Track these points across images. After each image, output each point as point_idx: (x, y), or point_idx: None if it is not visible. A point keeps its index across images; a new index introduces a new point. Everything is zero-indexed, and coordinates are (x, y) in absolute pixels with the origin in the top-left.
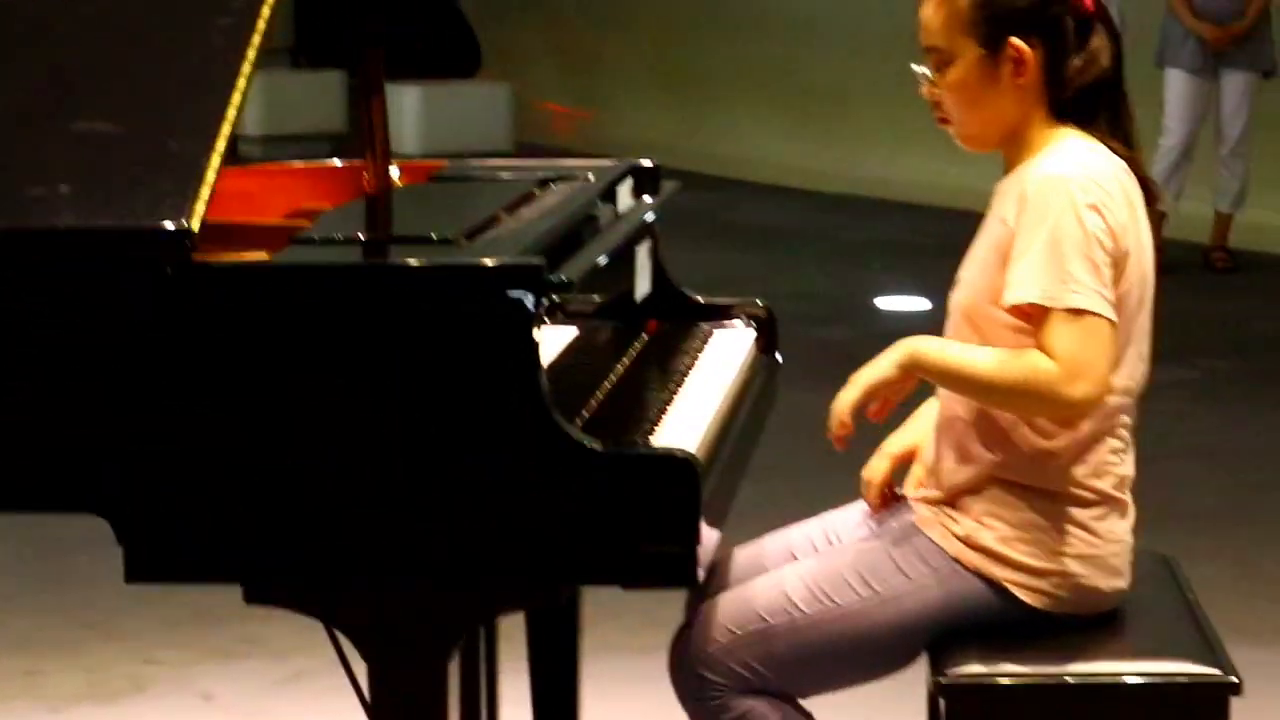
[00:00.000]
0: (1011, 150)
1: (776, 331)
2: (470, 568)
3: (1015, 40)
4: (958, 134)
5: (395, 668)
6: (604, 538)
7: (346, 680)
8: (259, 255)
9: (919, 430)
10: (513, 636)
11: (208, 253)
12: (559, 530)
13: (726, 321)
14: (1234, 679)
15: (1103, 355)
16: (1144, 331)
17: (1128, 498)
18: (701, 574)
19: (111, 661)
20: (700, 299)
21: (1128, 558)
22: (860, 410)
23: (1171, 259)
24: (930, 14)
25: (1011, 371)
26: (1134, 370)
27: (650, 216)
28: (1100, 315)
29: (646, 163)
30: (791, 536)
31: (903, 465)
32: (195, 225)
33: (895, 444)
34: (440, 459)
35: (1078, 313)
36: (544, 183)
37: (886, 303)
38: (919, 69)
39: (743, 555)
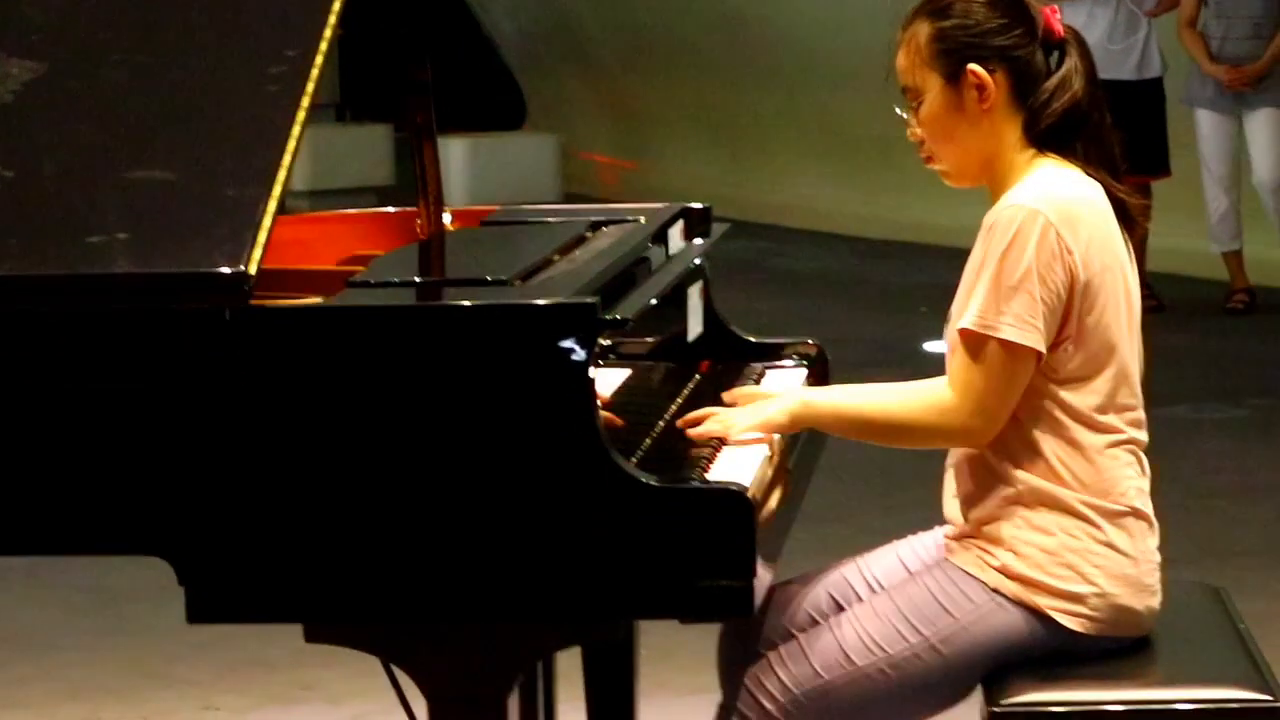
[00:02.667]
0: (993, 183)
1: (828, 370)
2: (529, 603)
3: (973, 67)
4: (940, 170)
5: (456, 704)
6: (661, 572)
7: None
8: (315, 300)
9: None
10: (569, 677)
11: (264, 298)
12: (617, 565)
13: (778, 361)
14: None
15: (1014, 390)
16: (1135, 350)
17: (1150, 514)
18: (756, 607)
19: (171, 709)
20: (752, 339)
21: (1158, 575)
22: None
23: (1214, 299)
24: (901, 56)
25: (910, 407)
26: (1127, 388)
27: (702, 258)
28: (1031, 348)
29: (697, 205)
30: (830, 579)
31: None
32: (253, 270)
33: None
34: (497, 496)
35: (1006, 344)
36: (595, 226)
37: (935, 346)
38: (899, 110)
39: (783, 595)
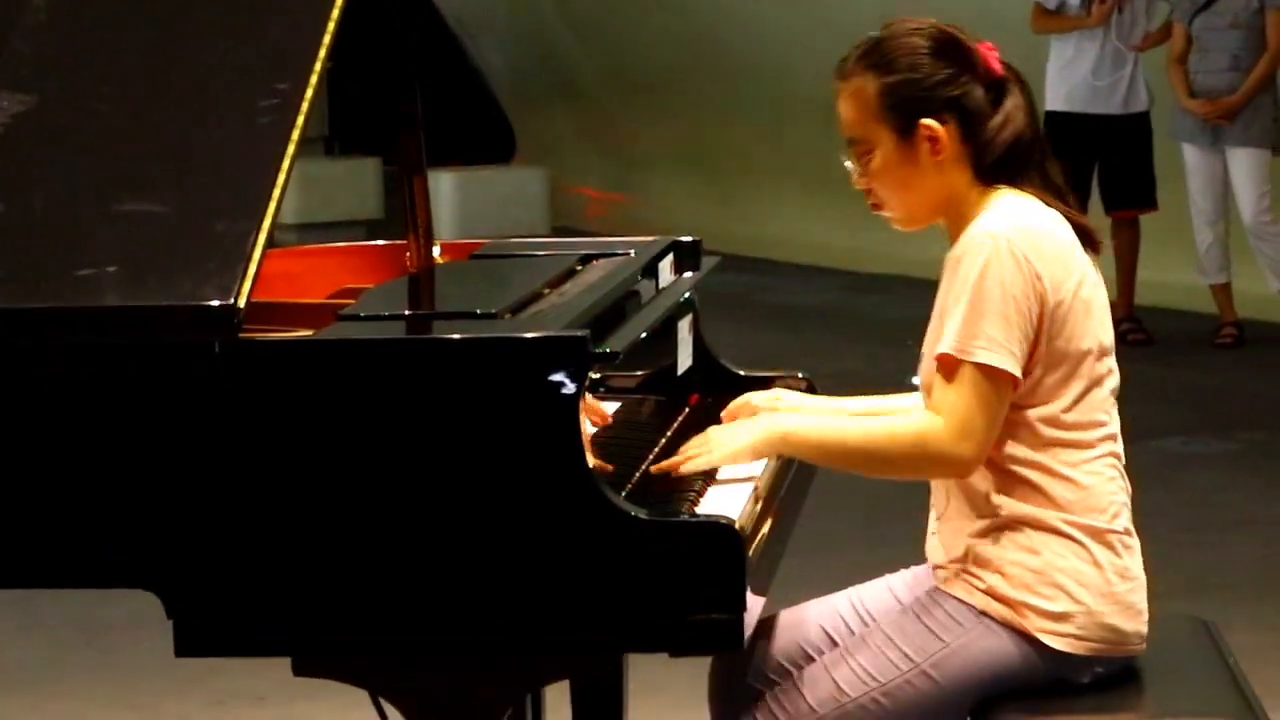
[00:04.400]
0: (951, 222)
1: None
2: (518, 637)
3: (926, 121)
4: (892, 218)
5: None
6: (651, 605)
7: None
8: (304, 333)
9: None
10: (558, 711)
11: (254, 331)
12: (605, 598)
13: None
14: None
15: (995, 415)
16: (1108, 367)
17: (1133, 534)
18: (746, 640)
19: None
20: (741, 372)
21: (1144, 595)
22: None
23: (1204, 332)
24: (845, 108)
25: (898, 437)
26: (1098, 403)
27: (691, 291)
28: (1006, 371)
29: (687, 239)
30: (822, 612)
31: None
32: (242, 303)
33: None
34: (486, 529)
35: (983, 368)
36: (585, 259)
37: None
38: (846, 162)
39: (774, 627)
